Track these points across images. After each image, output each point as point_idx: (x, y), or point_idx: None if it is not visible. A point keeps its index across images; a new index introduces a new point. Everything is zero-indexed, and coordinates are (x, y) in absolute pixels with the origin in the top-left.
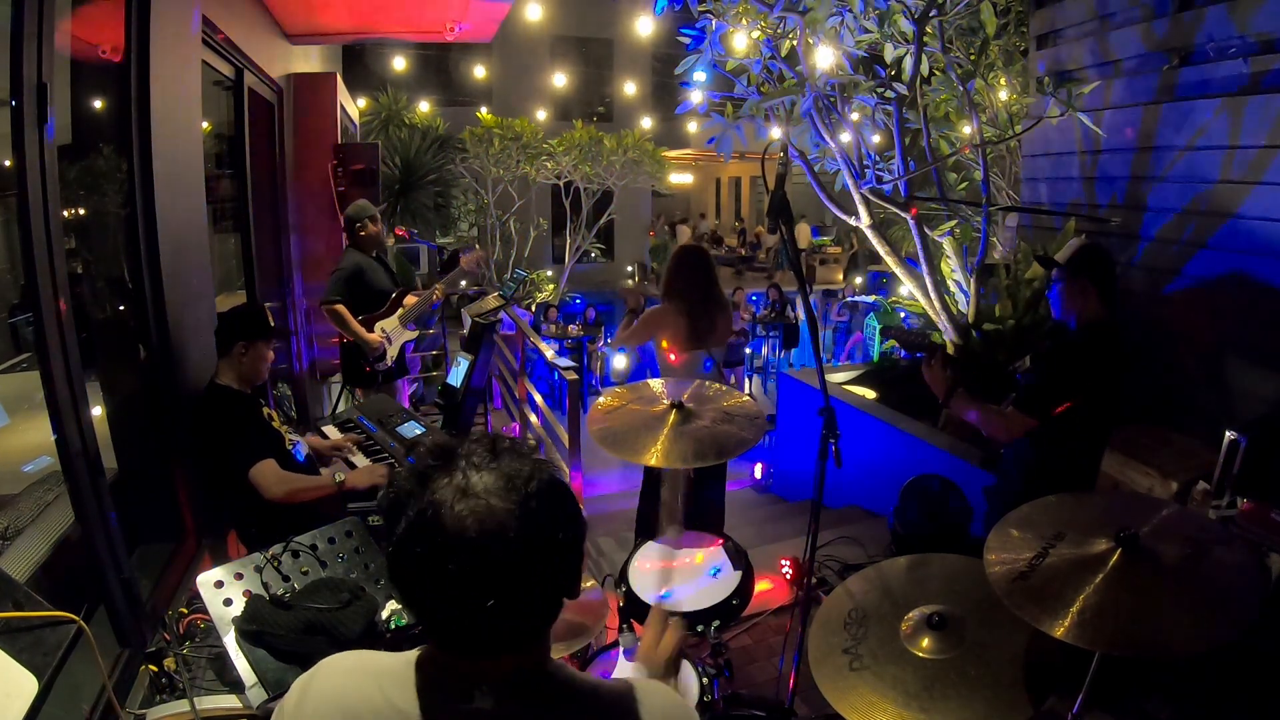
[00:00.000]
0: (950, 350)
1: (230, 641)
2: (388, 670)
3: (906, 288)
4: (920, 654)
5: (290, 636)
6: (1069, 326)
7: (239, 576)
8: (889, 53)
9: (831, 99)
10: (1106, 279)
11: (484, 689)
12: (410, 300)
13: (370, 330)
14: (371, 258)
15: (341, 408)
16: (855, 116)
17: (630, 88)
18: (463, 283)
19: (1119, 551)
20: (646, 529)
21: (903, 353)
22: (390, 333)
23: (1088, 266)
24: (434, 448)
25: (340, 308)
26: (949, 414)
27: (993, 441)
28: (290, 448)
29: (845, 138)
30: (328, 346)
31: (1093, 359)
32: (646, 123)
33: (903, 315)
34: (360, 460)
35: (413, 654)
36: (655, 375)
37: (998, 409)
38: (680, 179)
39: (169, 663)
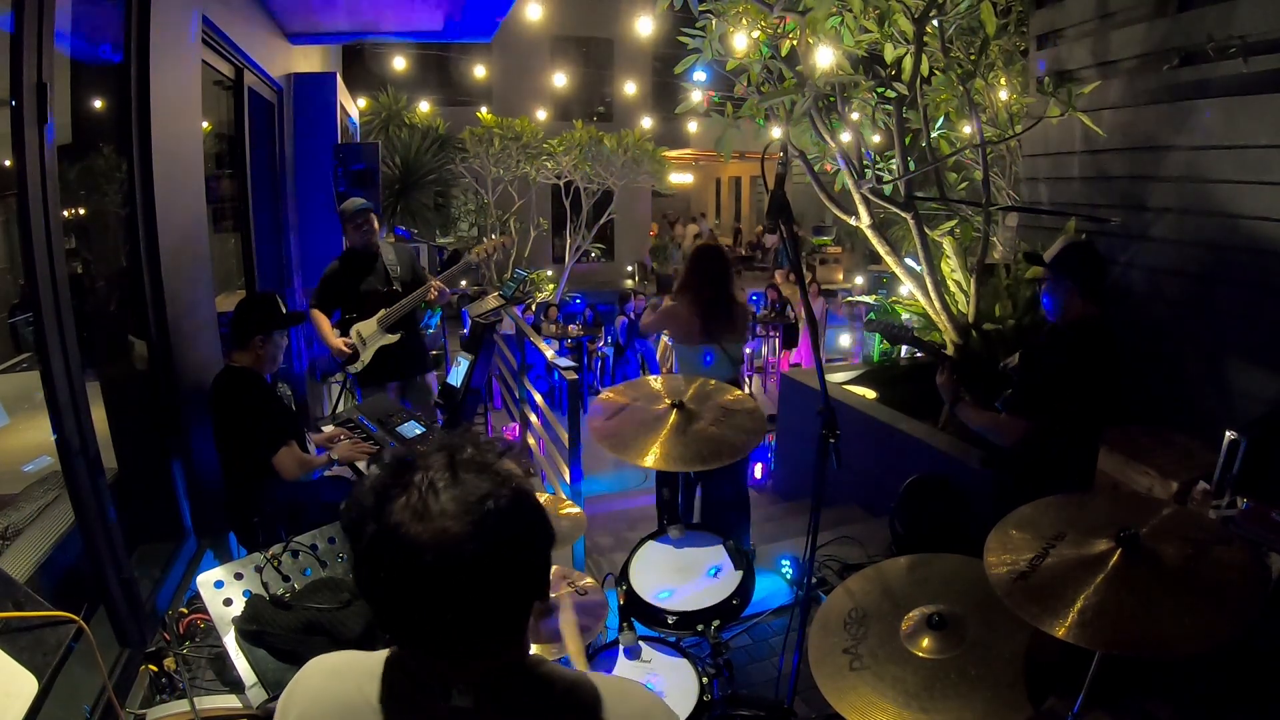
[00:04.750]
0: (950, 350)
1: (230, 641)
2: (368, 670)
3: (906, 288)
4: (920, 654)
5: (290, 636)
6: (1057, 325)
7: (239, 576)
8: (889, 53)
9: (831, 99)
10: (1089, 278)
11: (462, 688)
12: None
13: (347, 333)
14: (357, 257)
15: (341, 408)
16: (855, 116)
17: (630, 88)
18: (463, 282)
19: (1119, 551)
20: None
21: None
22: (366, 337)
23: (1068, 266)
24: (391, 463)
25: (314, 313)
26: (949, 414)
27: (999, 445)
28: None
29: (845, 138)
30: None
31: (1078, 357)
32: (646, 123)
33: (905, 317)
34: None
35: (393, 652)
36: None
37: (997, 415)
38: (680, 179)
39: (169, 663)
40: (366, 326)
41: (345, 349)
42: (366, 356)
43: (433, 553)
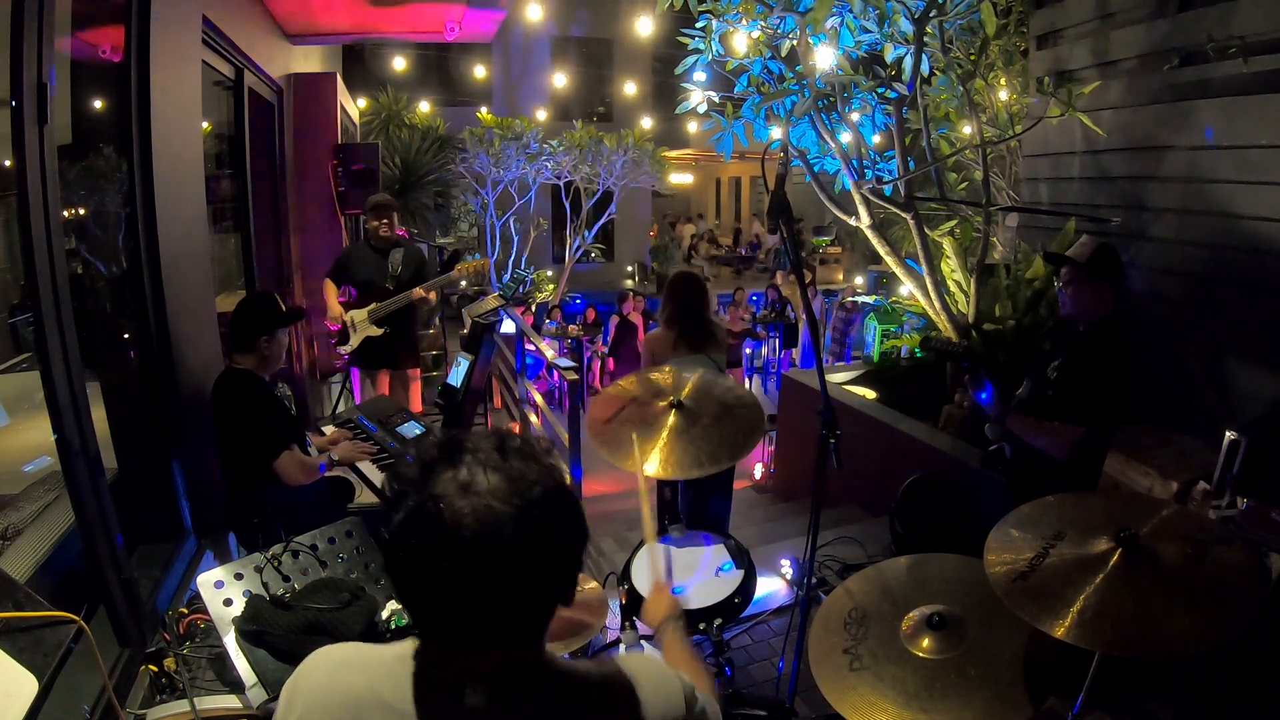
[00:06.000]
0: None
1: (230, 641)
2: (376, 664)
3: (906, 287)
4: (920, 654)
5: (290, 637)
6: (1076, 326)
7: (239, 576)
8: (889, 53)
9: (831, 99)
10: (1121, 278)
11: (475, 685)
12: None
13: (344, 315)
14: (370, 247)
15: (341, 408)
16: (855, 116)
17: (630, 88)
18: (463, 283)
19: (1119, 551)
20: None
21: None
22: (357, 323)
23: (1104, 267)
24: (441, 440)
25: (326, 282)
26: (950, 413)
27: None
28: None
29: (845, 138)
30: (328, 347)
31: (1116, 356)
32: (646, 123)
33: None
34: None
35: (402, 647)
36: None
37: (1052, 425)
38: (680, 179)
39: (169, 663)
40: (359, 314)
41: (335, 323)
42: (355, 341)
43: (473, 529)
